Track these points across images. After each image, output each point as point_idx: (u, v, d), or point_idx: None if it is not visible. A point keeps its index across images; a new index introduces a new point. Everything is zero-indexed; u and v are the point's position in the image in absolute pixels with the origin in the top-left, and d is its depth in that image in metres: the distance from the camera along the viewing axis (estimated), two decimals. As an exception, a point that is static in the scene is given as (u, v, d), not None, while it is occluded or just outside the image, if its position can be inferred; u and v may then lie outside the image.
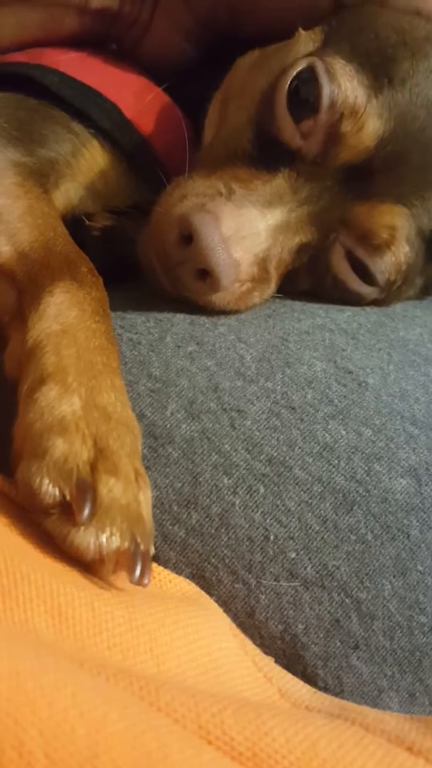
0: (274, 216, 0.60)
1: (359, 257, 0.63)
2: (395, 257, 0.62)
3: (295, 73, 0.61)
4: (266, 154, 0.62)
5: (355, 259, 0.63)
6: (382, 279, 0.63)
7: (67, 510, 0.41)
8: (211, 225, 0.56)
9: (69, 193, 0.67)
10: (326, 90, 0.59)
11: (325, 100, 0.59)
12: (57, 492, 0.41)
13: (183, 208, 0.58)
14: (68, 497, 0.41)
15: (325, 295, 0.65)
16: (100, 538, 0.40)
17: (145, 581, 0.41)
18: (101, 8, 0.74)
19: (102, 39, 0.76)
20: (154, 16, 0.75)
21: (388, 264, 0.62)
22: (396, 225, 0.61)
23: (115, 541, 0.41)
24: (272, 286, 0.63)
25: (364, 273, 0.63)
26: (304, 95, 0.60)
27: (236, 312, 0.61)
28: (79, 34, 0.75)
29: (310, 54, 0.63)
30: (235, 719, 0.31)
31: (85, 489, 0.41)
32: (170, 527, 0.51)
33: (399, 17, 0.64)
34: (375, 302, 0.66)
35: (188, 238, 0.57)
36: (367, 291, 0.64)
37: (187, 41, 0.76)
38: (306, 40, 0.66)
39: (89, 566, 0.41)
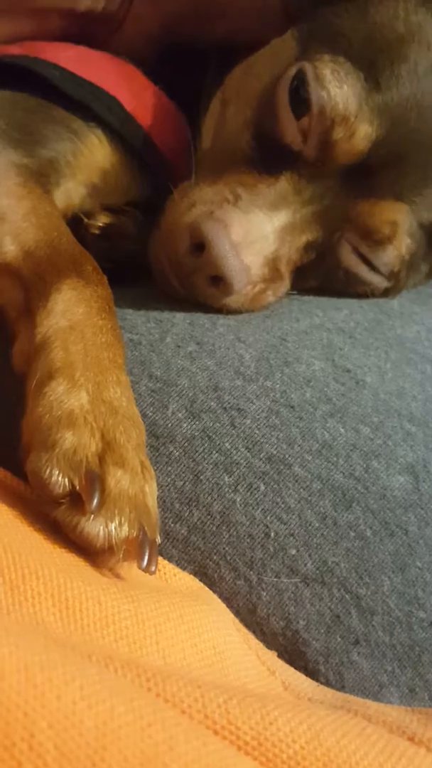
0: (280, 218, 0.61)
1: (363, 252, 0.65)
2: (397, 250, 0.64)
3: (292, 76, 0.62)
4: (268, 156, 0.63)
5: (361, 253, 0.65)
6: (387, 270, 0.66)
7: (76, 500, 0.42)
8: (222, 233, 0.58)
9: (69, 192, 0.68)
10: (314, 96, 0.60)
11: (315, 108, 0.60)
12: (66, 482, 0.42)
13: (192, 216, 0.60)
14: (77, 487, 0.41)
15: (336, 290, 0.67)
16: (109, 526, 0.41)
17: (153, 569, 0.42)
18: (86, 10, 0.76)
19: (77, 36, 0.78)
20: (127, 16, 0.77)
21: (391, 257, 0.65)
22: (397, 220, 0.63)
23: (124, 530, 0.42)
24: (286, 283, 0.65)
25: (371, 265, 0.65)
26: (303, 95, 0.61)
27: (251, 312, 0.63)
28: (62, 34, 0.78)
29: (300, 57, 0.64)
30: (240, 709, 0.31)
31: (94, 479, 0.42)
32: (172, 525, 0.52)
33: (387, 18, 0.64)
34: (386, 291, 0.68)
35: (200, 246, 0.59)
36: (378, 280, 0.66)
37: (148, 45, 0.78)
38: (288, 43, 0.67)
39: (98, 556, 0.42)
